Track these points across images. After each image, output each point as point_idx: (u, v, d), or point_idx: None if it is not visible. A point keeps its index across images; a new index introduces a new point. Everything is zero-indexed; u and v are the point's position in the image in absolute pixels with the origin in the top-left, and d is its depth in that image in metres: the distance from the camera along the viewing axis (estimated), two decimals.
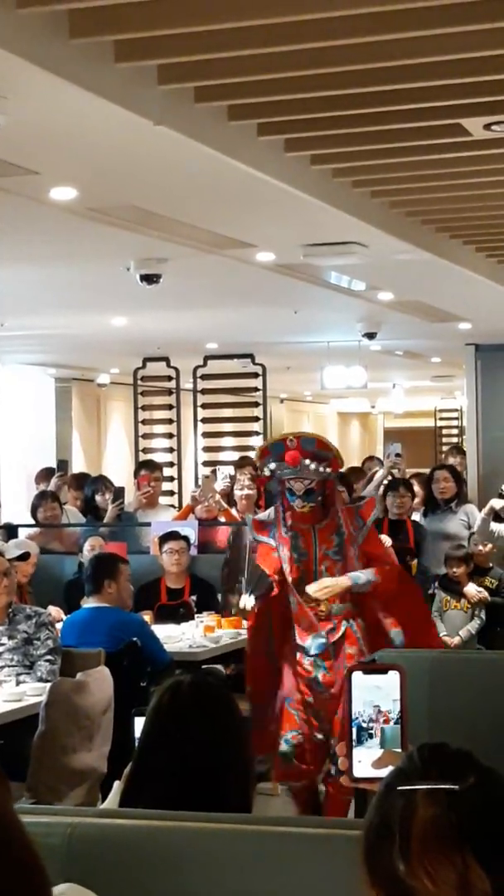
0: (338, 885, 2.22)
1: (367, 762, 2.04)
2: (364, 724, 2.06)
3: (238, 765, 2.74)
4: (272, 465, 6.09)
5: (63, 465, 11.44)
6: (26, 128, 4.94)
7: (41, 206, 6.40)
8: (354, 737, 2.06)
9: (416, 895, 1.59)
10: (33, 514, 9.94)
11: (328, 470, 6.07)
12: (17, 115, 4.67)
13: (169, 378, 14.05)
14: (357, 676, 2.07)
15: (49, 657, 6.19)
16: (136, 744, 2.90)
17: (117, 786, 3.01)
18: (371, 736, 2.05)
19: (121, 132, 5.06)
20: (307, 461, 5.98)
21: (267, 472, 6.13)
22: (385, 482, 9.73)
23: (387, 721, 2.06)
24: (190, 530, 8.91)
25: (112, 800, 2.98)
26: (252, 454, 12.58)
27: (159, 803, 2.55)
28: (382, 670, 2.08)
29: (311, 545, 6.16)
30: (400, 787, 1.66)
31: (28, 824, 2.13)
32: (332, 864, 2.26)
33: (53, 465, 13.34)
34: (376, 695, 2.06)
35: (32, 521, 9.91)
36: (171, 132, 4.97)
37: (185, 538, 8.50)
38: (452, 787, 1.63)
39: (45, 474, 11.60)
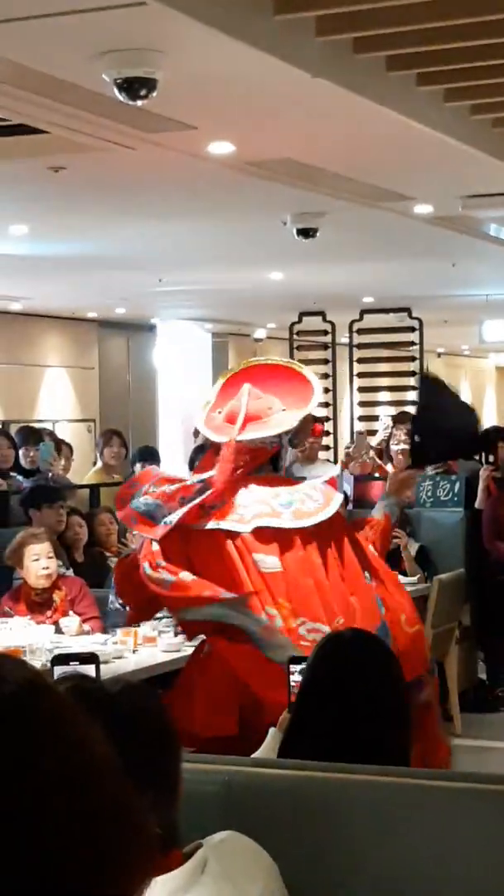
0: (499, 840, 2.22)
1: None
2: None
3: (398, 717, 2.73)
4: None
5: None
6: (184, 83, 4.95)
7: (199, 160, 6.42)
8: None
9: None
10: (191, 467, 10.04)
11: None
12: (175, 70, 4.69)
13: (325, 332, 14.01)
14: None
15: None
16: (292, 694, 2.92)
17: (273, 733, 3.03)
18: None
19: (278, 85, 5.04)
20: None
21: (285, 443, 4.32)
22: None
23: None
24: (346, 486, 8.91)
25: (266, 747, 3.01)
26: (408, 410, 12.53)
27: (318, 755, 2.57)
28: None
29: None
30: None
31: (187, 772, 2.17)
32: (494, 819, 2.25)
33: None
34: None
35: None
36: (329, 84, 4.93)
37: (343, 493, 8.50)
38: None
39: None
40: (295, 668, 3.08)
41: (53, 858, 1.01)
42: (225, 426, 4.17)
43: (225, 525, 4.09)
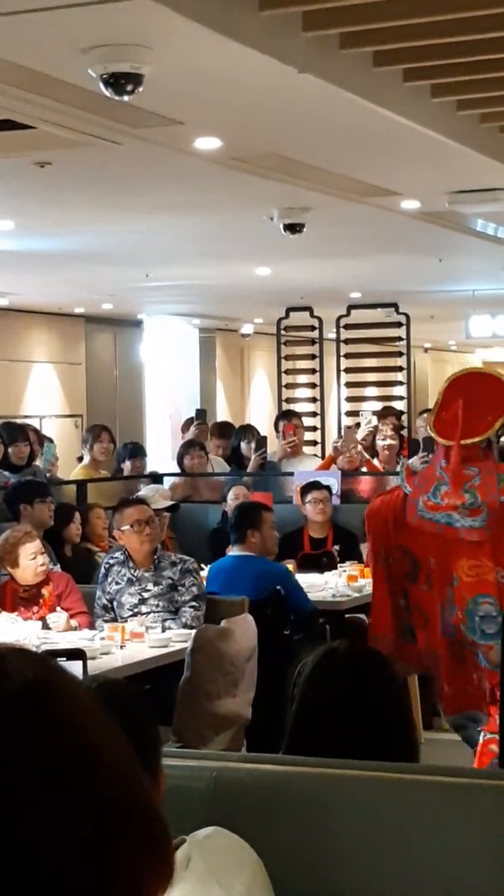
0: (486, 836, 2.22)
1: None
2: None
3: (400, 725, 2.66)
4: None
5: (201, 414, 11.48)
6: (171, 78, 4.95)
7: (186, 156, 6.42)
8: None
9: None
10: (179, 462, 10.04)
11: None
12: (161, 65, 4.68)
13: (312, 328, 14.02)
14: None
15: (194, 603, 6.26)
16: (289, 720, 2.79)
17: None
18: None
19: (265, 80, 5.04)
20: None
21: None
22: None
23: None
24: (333, 480, 8.92)
25: None
26: (396, 405, 12.54)
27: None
28: None
29: None
30: None
31: (174, 768, 2.18)
32: (480, 813, 2.26)
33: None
34: None
35: (178, 470, 10.02)
36: (316, 79, 4.93)
37: (328, 488, 8.51)
38: None
39: (190, 424, 11.69)
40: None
41: (68, 864, 0.93)
42: (449, 431, 4.83)
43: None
